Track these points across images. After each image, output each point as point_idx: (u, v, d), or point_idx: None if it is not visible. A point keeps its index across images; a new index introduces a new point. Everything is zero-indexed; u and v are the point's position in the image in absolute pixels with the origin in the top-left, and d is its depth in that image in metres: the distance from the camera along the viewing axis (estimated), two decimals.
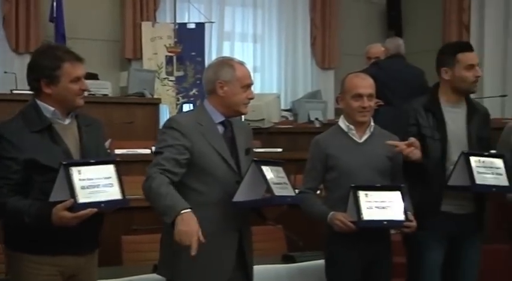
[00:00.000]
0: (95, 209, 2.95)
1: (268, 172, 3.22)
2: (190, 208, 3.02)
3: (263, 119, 7.09)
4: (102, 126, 3.44)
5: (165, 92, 8.91)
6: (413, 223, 3.66)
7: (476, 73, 3.94)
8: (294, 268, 4.10)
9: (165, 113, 8.61)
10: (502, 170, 3.81)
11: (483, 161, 3.79)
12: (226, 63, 3.46)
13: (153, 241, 4.09)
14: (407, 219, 3.64)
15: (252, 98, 3.44)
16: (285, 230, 4.56)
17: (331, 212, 3.65)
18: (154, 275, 3.62)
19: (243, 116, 6.88)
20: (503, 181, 3.79)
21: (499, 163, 3.83)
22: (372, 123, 3.85)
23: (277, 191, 3.16)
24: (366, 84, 3.80)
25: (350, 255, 3.68)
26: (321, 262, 3.90)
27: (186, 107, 9.15)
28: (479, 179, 3.72)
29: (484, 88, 10.06)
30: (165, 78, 9.12)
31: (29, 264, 3.12)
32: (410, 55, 7.36)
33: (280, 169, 3.32)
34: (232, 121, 3.49)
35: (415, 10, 11.24)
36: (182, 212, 3.00)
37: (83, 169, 3.01)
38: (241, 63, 3.45)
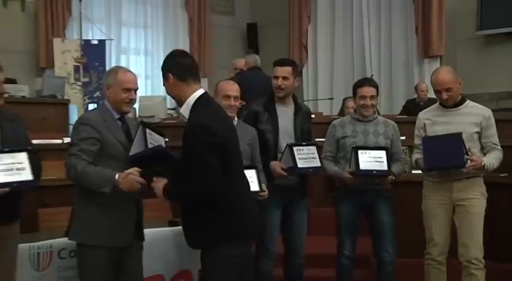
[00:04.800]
0: (7, 189, 2.90)
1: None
2: (116, 173, 3.05)
3: (153, 116, 7.03)
4: (23, 122, 3.30)
5: (73, 94, 8.61)
6: (266, 192, 3.77)
7: (278, 82, 4.05)
8: (177, 229, 4.08)
9: (74, 112, 8.33)
10: (315, 155, 3.97)
11: (302, 150, 3.94)
12: (112, 70, 3.39)
13: (63, 213, 3.98)
14: (261, 189, 3.74)
15: (132, 99, 3.31)
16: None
17: None
18: (65, 239, 3.50)
19: (137, 113, 6.81)
20: (316, 163, 3.96)
21: (313, 150, 3.98)
22: (236, 118, 3.89)
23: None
24: (233, 88, 3.85)
25: None
26: None
27: (91, 106, 8.89)
28: (300, 163, 3.88)
29: (318, 91, 10.41)
30: (73, 83, 8.85)
31: None
32: (265, 67, 7.44)
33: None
34: (127, 118, 3.40)
35: (268, 34, 11.40)
36: (116, 178, 3.03)
37: None
38: (127, 71, 3.34)
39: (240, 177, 3.04)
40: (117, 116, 3.31)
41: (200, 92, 3.00)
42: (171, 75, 2.99)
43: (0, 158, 2.94)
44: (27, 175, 2.99)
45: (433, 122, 4.07)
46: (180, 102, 3.01)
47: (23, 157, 3.01)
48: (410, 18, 9.69)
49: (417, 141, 4.13)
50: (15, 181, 2.95)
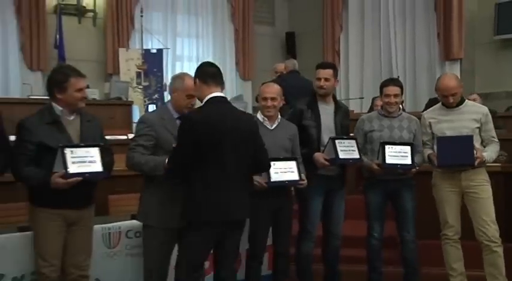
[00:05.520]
0: (80, 178, 3.00)
1: None
2: (166, 157, 3.12)
3: None
4: (99, 121, 3.42)
5: (136, 96, 8.74)
6: (305, 181, 3.75)
7: (320, 83, 4.05)
8: None
9: (136, 112, 8.49)
10: (355, 147, 3.94)
11: (343, 143, 3.91)
12: (179, 76, 3.47)
13: (129, 199, 4.07)
14: (301, 179, 3.70)
15: (193, 104, 3.38)
16: None
17: (254, 176, 3.62)
18: (131, 221, 3.64)
19: None
20: (356, 155, 3.93)
21: (353, 143, 3.96)
22: (279, 116, 3.89)
23: None
24: (269, 90, 3.84)
25: (265, 204, 3.69)
26: None
27: (151, 107, 8.98)
28: (341, 155, 3.86)
29: (350, 91, 10.33)
30: (135, 87, 8.98)
31: (46, 215, 3.12)
32: (302, 70, 7.45)
33: None
34: None
35: (304, 41, 11.31)
36: (166, 162, 3.11)
37: (74, 150, 3.03)
38: (191, 78, 3.38)
39: (215, 167, 3.05)
40: (176, 115, 3.36)
41: (215, 94, 3.13)
42: (197, 80, 3.17)
43: (75, 151, 3.04)
44: (98, 167, 3.08)
45: (438, 120, 4.08)
46: (200, 101, 3.18)
47: (95, 151, 3.10)
48: (433, 25, 9.49)
49: (424, 138, 4.16)
50: (87, 172, 3.04)
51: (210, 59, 10.61)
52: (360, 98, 9.68)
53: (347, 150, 3.88)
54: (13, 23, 8.75)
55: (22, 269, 3.31)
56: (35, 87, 8.22)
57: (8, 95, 8.23)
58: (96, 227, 3.51)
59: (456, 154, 3.86)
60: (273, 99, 3.79)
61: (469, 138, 3.89)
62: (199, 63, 3.41)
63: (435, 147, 4.06)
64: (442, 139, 3.96)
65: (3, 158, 3.03)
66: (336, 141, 3.86)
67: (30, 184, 3.11)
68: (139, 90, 8.99)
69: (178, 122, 3.34)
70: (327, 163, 3.89)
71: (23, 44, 8.79)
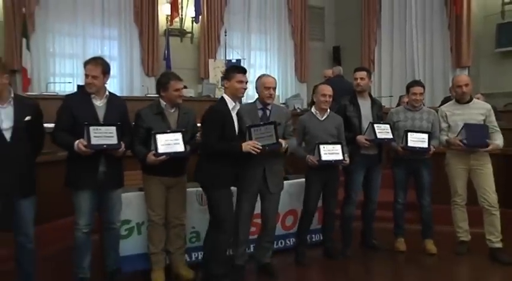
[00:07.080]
0: (166, 157, 3.00)
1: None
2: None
3: None
4: (193, 113, 3.42)
5: (221, 94, 8.78)
6: (347, 161, 3.66)
7: (357, 82, 3.93)
8: (288, 183, 4.07)
9: None
10: (389, 130, 3.81)
11: (380, 126, 3.79)
12: (259, 76, 3.45)
13: None
14: (344, 159, 3.63)
15: (271, 94, 3.33)
16: None
17: (307, 155, 3.64)
18: None
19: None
20: (390, 135, 3.82)
21: (387, 127, 3.84)
22: (328, 110, 3.80)
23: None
24: (328, 89, 3.77)
25: (316, 176, 3.68)
26: (302, 180, 3.89)
27: None
28: (379, 135, 3.76)
29: (382, 91, 9.99)
30: (220, 88, 9.00)
31: (151, 180, 3.21)
32: (346, 75, 7.25)
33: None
34: (271, 108, 3.38)
35: (347, 53, 10.96)
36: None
37: (164, 135, 3.04)
38: (268, 76, 3.41)
39: None
40: (260, 106, 3.35)
41: None
42: None
43: (164, 136, 3.04)
44: (180, 148, 3.05)
45: (452, 113, 3.95)
46: None
47: (179, 136, 3.08)
48: (447, 40, 9.07)
49: (442, 125, 4.00)
50: (172, 152, 3.03)
51: (275, 67, 10.58)
52: (389, 96, 9.34)
53: (383, 132, 3.79)
54: (137, 43, 9.05)
55: (142, 217, 3.47)
56: (150, 88, 8.46)
57: (132, 94, 8.53)
58: (192, 190, 3.56)
59: (478, 137, 3.79)
60: (330, 96, 3.75)
61: (486, 127, 3.83)
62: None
63: (449, 134, 3.96)
64: (469, 125, 3.84)
65: (128, 140, 3.11)
66: (375, 125, 3.79)
67: (138, 159, 3.18)
68: (223, 90, 9.01)
69: (260, 112, 3.34)
70: (366, 141, 3.78)
71: (142, 58, 9.06)
